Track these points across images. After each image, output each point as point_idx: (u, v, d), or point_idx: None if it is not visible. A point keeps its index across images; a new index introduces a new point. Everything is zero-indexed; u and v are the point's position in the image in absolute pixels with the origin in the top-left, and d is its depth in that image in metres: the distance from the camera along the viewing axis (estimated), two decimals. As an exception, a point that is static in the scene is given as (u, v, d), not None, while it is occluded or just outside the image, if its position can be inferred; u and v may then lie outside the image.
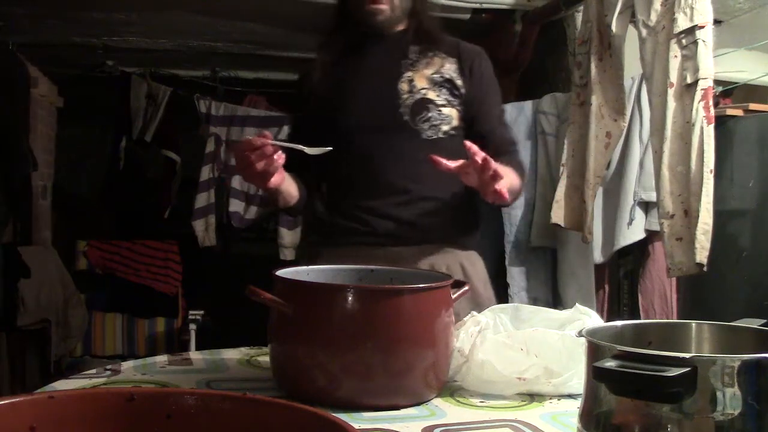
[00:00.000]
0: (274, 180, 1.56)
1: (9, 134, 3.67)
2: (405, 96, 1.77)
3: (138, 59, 4.97)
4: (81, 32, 4.40)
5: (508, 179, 1.57)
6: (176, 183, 5.23)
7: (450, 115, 1.78)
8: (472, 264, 1.85)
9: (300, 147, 1.53)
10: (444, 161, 1.49)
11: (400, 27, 1.86)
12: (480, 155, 1.45)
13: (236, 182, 4.93)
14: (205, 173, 4.93)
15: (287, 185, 1.71)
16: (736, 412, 0.78)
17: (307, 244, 2.03)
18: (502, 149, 1.75)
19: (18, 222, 4.07)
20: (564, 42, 3.55)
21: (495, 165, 1.46)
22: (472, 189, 1.60)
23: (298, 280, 1.28)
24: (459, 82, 1.80)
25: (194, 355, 1.53)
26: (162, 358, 1.47)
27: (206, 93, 5.09)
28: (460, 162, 1.49)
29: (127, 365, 1.40)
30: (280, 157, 1.51)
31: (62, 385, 1.26)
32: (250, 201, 4.97)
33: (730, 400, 0.78)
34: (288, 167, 1.61)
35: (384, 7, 1.79)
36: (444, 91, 1.78)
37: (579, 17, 3.00)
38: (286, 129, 4.85)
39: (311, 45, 2.02)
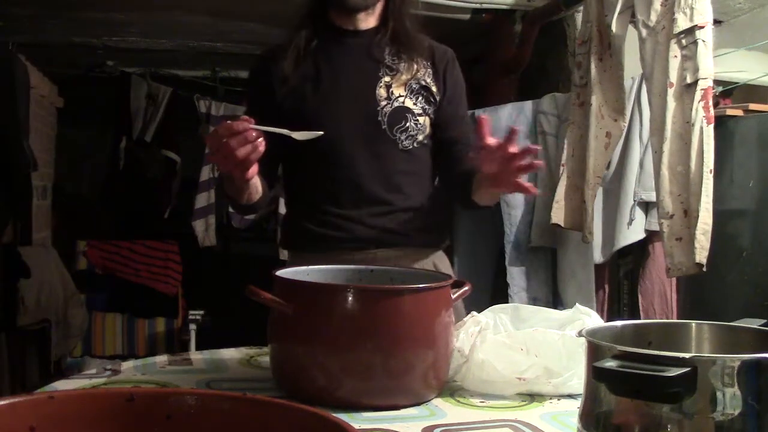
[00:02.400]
0: (252, 171, 1.43)
1: (9, 134, 3.67)
2: (383, 103, 1.71)
3: (138, 59, 4.97)
4: (81, 32, 4.40)
5: None
6: (176, 183, 5.23)
7: (425, 124, 1.74)
8: (441, 261, 1.84)
9: (287, 132, 1.43)
10: (488, 137, 1.42)
11: (373, 23, 1.77)
12: (514, 146, 1.40)
13: (236, 182, 4.92)
14: (205, 173, 4.93)
15: (256, 179, 1.56)
16: (736, 412, 0.78)
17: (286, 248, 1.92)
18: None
19: (18, 222, 4.07)
20: (564, 42, 3.55)
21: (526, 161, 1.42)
22: (444, 192, 1.63)
23: (298, 280, 1.28)
24: (434, 89, 1.76)
25: (194, 355, 1.53)
26: (162, 358, 1.47)
27: (206, 93, 5.08)
28: (497, 140, 1.42)
29: (127, 365, 1.40)
30: (261, 144, 1.37)
31: (62, 385, 1.26)
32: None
33: (730, 400, 0.78)
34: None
35: None
36: (420, 99, 1.74)
37: (579, 17, 3.00)
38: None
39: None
